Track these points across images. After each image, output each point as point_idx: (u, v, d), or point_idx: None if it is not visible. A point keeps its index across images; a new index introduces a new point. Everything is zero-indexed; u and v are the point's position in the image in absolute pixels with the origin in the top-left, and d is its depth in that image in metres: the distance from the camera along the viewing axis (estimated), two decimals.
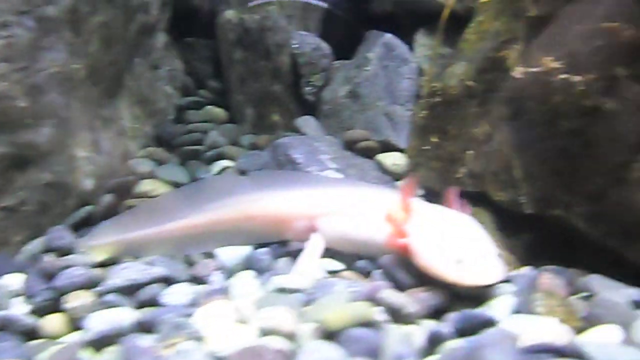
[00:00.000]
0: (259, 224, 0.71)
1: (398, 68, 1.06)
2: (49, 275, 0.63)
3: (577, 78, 0.64)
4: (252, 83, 1.08)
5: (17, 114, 0.73)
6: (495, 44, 0.80)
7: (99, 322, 0.53)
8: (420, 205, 0.65)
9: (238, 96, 1.09)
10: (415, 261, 0.58)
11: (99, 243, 0.70)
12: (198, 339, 0.49)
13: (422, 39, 1.10)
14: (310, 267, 0.64)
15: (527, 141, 0.71)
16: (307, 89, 1.11)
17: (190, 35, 1.18)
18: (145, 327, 0.54)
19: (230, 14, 1.07)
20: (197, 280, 0.67)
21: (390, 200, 0.64)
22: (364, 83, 1.05)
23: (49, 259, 0.67)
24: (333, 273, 0.65)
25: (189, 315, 0.55)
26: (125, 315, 0.55)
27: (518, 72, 0.72)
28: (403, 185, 0.61)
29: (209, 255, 0.72)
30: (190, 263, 0.72)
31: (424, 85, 1.01)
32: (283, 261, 0.70)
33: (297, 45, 1.10)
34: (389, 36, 1.07)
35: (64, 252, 0.72)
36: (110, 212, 0.82)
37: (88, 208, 0.83)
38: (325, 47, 1.14)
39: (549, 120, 0.67)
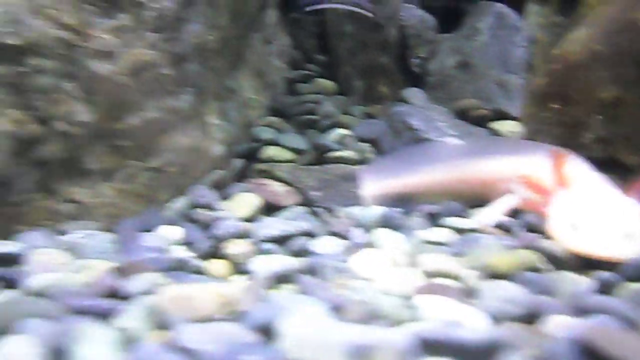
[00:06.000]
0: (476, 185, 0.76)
1: (510, 37, 1.05)
2: (205, 226, 0.68)
3: None
4: (361, 55, 1.10)
5: (163, 81, 0.79)
6: (626, 6, 0.79)
7: (265, 265, 0.58)
8: (579, 176, 0.64)
9: (347, 68, 1.12)
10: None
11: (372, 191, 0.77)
12: (364, 279, 0.53)
13: (534, 8, 1.08)
14: (491, 215, 0.69)
15: None
16: (414, 60, 1.12)
17: (297, 11, 1.22)
18: (308, 271, 0.57)
19: None
20: (337, 235, 0.71)
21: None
22: (474, 53, 1.06)
23: (203, 212, 0.72)
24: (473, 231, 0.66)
25: (344, 262, 0.58)
26: (286, 260, 0.59)
27: None
28: (555, 155, 0.62)
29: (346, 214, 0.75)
30: (324, 221, 0.76)
31: (538, 53, 1.01)
32: (416, 220, 0.72)
33: (404, 18, 1.11)
34: (500, 6, 1.07)
35: (207, 208, 0.77)
36: (241, 176, 0.87)
37: (220, 172, 0.88)
38: (430, 19, 1.15)
39: None
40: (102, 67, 0.72)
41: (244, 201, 0.78)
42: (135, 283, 0.47)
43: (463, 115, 1.01)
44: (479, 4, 1.12)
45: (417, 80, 1.13)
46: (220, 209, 0.77)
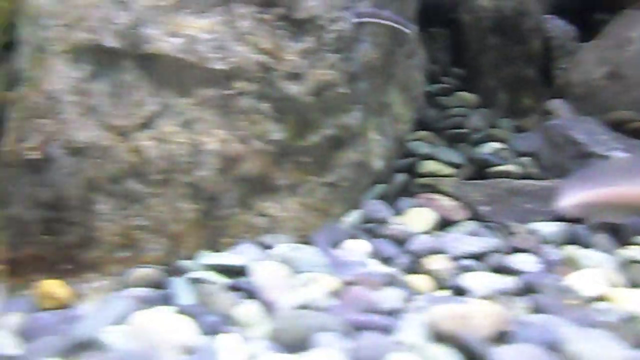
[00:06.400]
0: None
1: None
2: (399, 241, 0.71)
3: None
4: (506, 68, 1.10)
5: (340, 99, 0.82)
6: None
7: (477, 282, 0.59)
8: None
9: (490, 81, 1.12)
10: None
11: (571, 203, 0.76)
12: (597, 299, 0.53)
13: None
14: None
15: None
16: (557, 71, 1.11)
17: (433, 26, 1.23)
18: (527, 290, 0.58)
19: (484, 0, 1.10)
20: (524, 251, 0.71)
21: None
22: (627, 63, 1.03)
23: (392, 227, 0.74)
24: None
25: (559, 280, 0.59)
26: (497, 278, 0.60)
27: None
28: None
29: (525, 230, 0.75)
30: (504, 237, 0.76)
31: None
32: (601, 236, 0.71)
33: (548, 29, 1.10)
34: None
35: (382, 222, 0.79)
36: (403, 190, 0.89)
37: (382, 186, 0.90)
38: (571, 29, 1.13)
39: None
40: (291, 88, 0.76)
41: (420, 216, 0.80)
42: (385, 298, 0.50)
43: (617, 127, 0.99)
44: (627, 13, 1.09)
45: (557, 91, 1.11)
46: (396, 223, 0.79)
